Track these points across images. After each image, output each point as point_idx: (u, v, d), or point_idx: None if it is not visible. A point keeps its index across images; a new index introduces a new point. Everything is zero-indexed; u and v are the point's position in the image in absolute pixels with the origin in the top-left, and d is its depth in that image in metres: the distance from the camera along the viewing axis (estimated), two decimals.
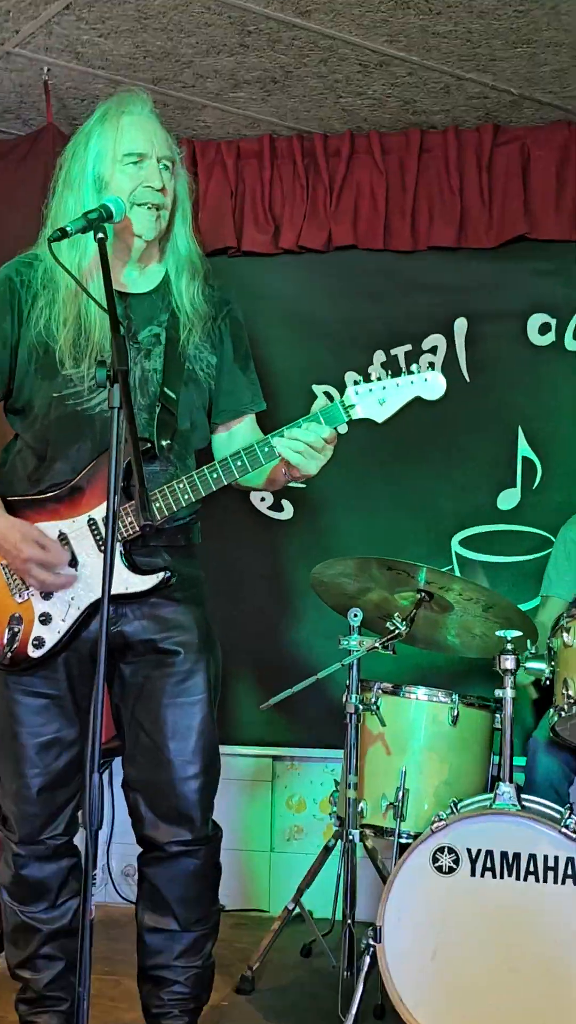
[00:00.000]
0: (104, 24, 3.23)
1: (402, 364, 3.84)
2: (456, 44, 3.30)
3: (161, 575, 2.49)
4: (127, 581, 2.48)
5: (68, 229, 2.33)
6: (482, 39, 3.26)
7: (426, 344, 3.85)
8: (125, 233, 2.49)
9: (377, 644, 2.94)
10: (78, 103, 3.68)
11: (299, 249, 3.89)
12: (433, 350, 3.85)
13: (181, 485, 2.47)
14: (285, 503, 3.91)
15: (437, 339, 3.86)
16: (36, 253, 2.59)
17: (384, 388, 2.43)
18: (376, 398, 2.43)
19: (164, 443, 2.53)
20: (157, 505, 2.47)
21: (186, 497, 2.47)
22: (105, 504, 2.48)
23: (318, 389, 3.87)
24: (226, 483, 2.48)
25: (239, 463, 2.46)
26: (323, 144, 3.85)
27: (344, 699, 2.98)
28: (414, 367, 2.45)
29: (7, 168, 3.74)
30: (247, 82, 3.56)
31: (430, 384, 2.44)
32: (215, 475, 2.47)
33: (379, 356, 3.87)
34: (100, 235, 2.30)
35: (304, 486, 3.82)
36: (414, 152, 3.81)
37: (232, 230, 3.88)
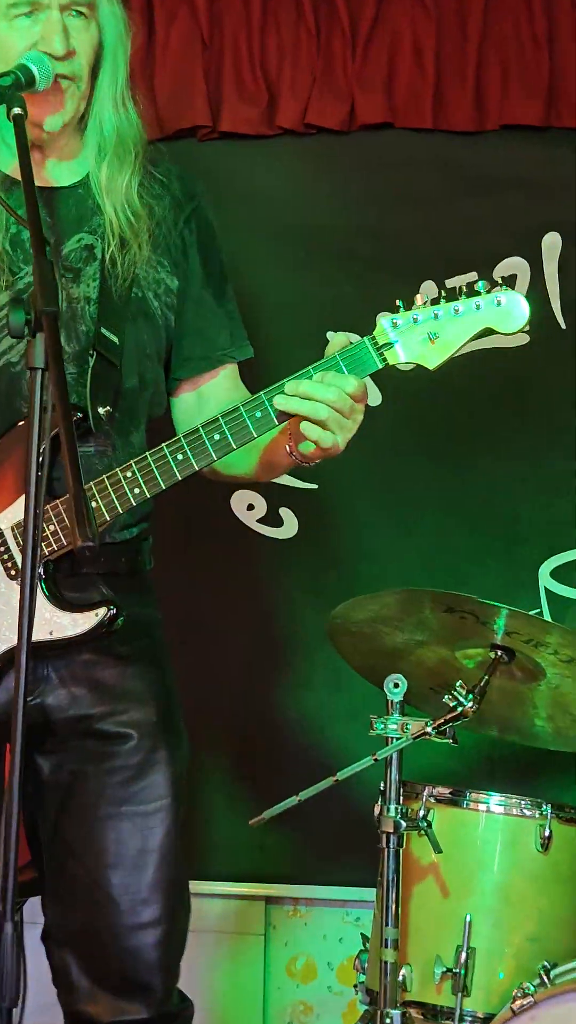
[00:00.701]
0: None
1: None
2: None
3: (101, 612, 2.49)
4: (51, 622, 2.48)
5: None
6: None
7: (500, 271, 3.82)
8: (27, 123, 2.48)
9: (429, 728, 2.92)
10: None
11: (306, 129, 3.88)
12: (511, 280, 3.64)
13: (129, 474, 2.47)
14: (285, 513, 3.90)
15: (516, 264, 3.85)
16: None
17: (436, 317, 2.42)
18: (424, 331, 2.42)
19: (102, 411, 2.53)
20: (93, 506, 2.47)
21: (136, 492, 2.47)
22: (15, 505, 2.48)
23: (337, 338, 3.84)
24: (197, 469, 2.47)
25: (217, 437, 2.44)
26: None
27: (378, 812, 2.97)
28: (479, 285, 2.43)
29: None
30: None
31: (505, 309, 2.43)
32: (180, 457, 2.45)
33: (429, 289, 3.78)
34: (17, 109, 2.34)
35: (315, 487, 3.81)
36: None
37: (204, 101, 3.87)
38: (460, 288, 2.44)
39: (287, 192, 3.92)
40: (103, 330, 2.55)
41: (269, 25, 3.88)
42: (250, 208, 3.86)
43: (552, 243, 3.83)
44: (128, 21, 2.66)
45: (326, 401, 2.39)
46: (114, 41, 2.61)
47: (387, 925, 2.94)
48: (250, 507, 3.90)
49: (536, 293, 3.80)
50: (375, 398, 3.76)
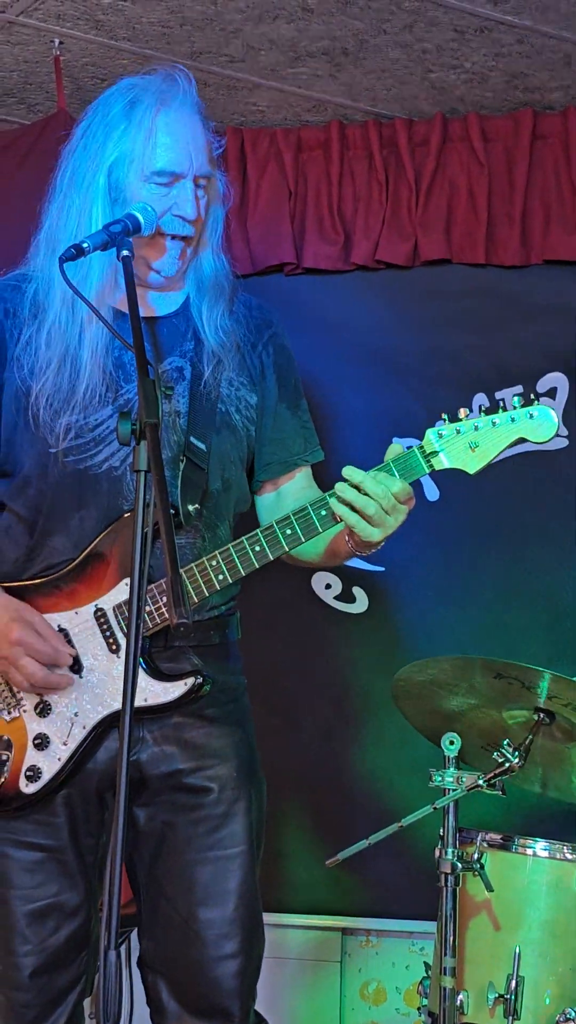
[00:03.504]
0: None
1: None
2: None
3: (190, 681, 2.47)
4: (145, 691, 2.46)
5: (85, 246, 2.37)
6: None
7: (542, 385, 3.83)
8: (139, 261, 2.50)
9: (481, 782, 2.88)
10: (97, 84, 3.71)
11: (376, 265, 3.90)
12: (551, 392, 3.82)
13: (214, 563, 2.46)
14: (357, 592, 3.88)
15: (556, 379, 3.83)
16: (25, 273, 2.61)
17: (476, 429, 2.40)
18: (465, 442, 2.40)
19: (191, 508, 2.53)
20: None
21: (220, 578, 2.46)
22: (116, 589, 2.48)
23: (401, 444, 3.83)
24: (272, 558, 2.46)
25: (288, 531, 2.44)
26: (407, 130, 3.87)
27: (437, 855, 2.93)
28: (515, 400, 2.41)
29: (6, 165, 3.79)
30: (311, 54, 3.57)
31: (537, 421, 2.39)
32: (257, 548, 2.45)
33: (480, 400, 3.84)
34: (125, 252, 2.35)
35: (382, 569, 3.79)
36: (525, 139, 3.81)
37: (290, 241, 3.91)
38: (500, 402, 2.41)
39: (360, 319, 3.93)
40: (192, 439, 2.55)
41: (346, 176, 3.91)
42: (328, 332, 3.87)
43: None
44: (226, 181, 2.67)
45: (373, 494, 2.37)
46: (217, 200, 2.62)
47: (446, 955, 2.90)
48: (327, 586, 3.89)
49: (573, 403, 3.80)
50: (433, 493, 3.75)
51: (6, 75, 3.72)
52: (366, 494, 2.38)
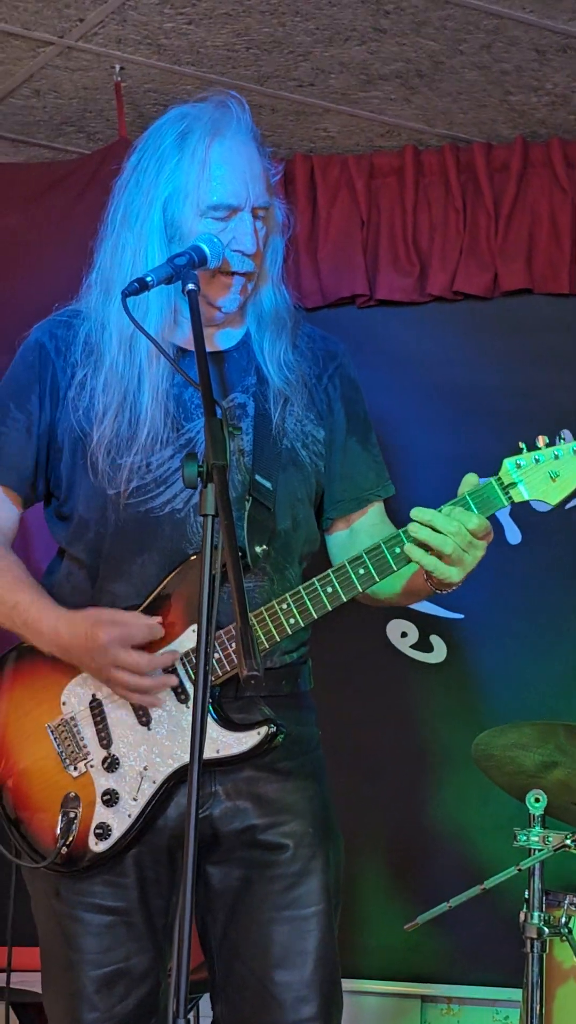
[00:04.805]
0: (194, 7, 3.32)
1: None
2: None
3: (263, 731, 2.45)
4: (217, 741, 2.45)
5: (149, 280, 2.38)
6: None
7: None
8: (200, 299, 2.48)
9: (569, 841, 2.87)
10: (159, 110, 3.73)
11: (454, 296, 3.92)
12: None
13: (285, 606, 2.45)
14: (435, 640, 3.89)
15: None
16: (77, 309, 2.62)
17: (556, 458, 2.36)
18: (545, 471, 2.37)
19: (258, 549, 2.52)
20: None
21: (292, 622, 2.45)
22: (184, 636, 2.48)
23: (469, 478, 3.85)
24: (345, 600, 2.44)
25: (362, 571, 2.43)
26: (486, 155, 3.90)
27: (523, 918, 2.92)
28: None
29: (65, 196, 3.83)
30: (383, 77, 3.61)
31: None
32: (329, 590, 2.43)
33: (566, 436, 3.82)
34: (191, 286, 2.36)
35: (461, 616, 3.80)
36: None
37: (363, 272, 3.94)
38: None
39: (436, 353, 3.94)
40: (257, 477, 2.54)
41: (421, 204, 3.93)
42: (403, 367, 3.89)
43: None
44: (285, 209, 2.66)
45: (447, 531, 2.35)
46: (276, 230, 2.62)
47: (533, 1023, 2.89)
48: (403, 634, 3.89)
49: None
50: (515, 536, 3.75)
51: (65, 103, 3.79)
52: (438, 531, 2.36)
